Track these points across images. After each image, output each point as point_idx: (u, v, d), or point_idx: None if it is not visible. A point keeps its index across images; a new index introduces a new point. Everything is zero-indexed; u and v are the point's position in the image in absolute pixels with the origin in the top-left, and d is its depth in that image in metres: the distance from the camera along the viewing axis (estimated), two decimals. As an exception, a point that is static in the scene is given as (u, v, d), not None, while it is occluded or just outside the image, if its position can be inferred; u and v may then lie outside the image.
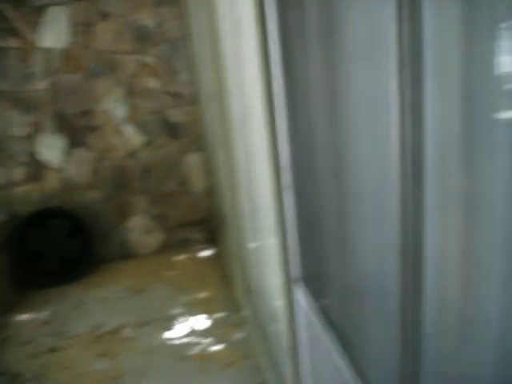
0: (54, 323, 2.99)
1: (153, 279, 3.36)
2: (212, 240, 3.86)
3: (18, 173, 3.47)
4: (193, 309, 2.96)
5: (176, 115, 3.62)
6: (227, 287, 3.16)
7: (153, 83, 3.55)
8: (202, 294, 3.12)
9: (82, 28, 3.37)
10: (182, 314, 2.90)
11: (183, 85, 3.58)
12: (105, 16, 3.39)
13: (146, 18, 3.45)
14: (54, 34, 3.34)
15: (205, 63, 3.44)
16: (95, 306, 3.14)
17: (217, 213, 3.79)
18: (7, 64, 3.33)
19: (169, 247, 3.79)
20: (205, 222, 3.84)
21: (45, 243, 3.43)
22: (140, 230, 3.73)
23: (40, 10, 3.30)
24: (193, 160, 3.73)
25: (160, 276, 3.41)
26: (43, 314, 3.09)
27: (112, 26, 3.41)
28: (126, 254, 3.72)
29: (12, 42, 3.31)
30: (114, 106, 3.50)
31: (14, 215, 3.45)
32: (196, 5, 3.37)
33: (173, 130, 3.65)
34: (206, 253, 3.69)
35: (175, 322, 2.83)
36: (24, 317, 3.09)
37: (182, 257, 3.66)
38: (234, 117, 2.51)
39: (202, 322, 2.81)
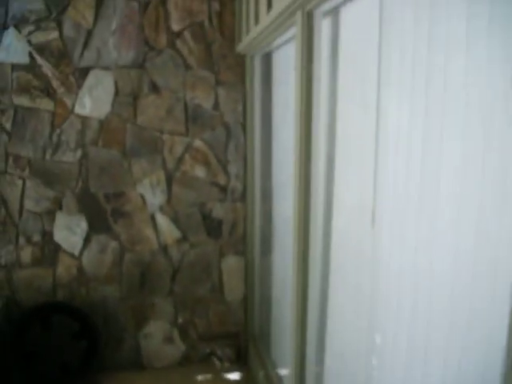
0: None
1: None
2: (242, 359, 3.52)
3: (27, 253, 3.22)
4: None
5: (219, 211, 3.34)
6: None
7: (199, 171, 3.32)
8: None
9: (128, 98, 3.18)
10: None
11: (232, 177, 3.34)
12: (155, 89, 3.18)
13: (202, 98, 3.20)
14: (94, 100, 3.14)
15: (266, 154, 3.24)
16: None
17: (249, 329, 3.53)
18: (35, 127, 3.13)
19: (190, 362, 3.43)
20: (236, 338, 3.50)
21: (45, 344, 3.11)
22: (159, 337, 3.37)
23: (83, 71, 3.10)
24: (231, 264, 3.43)
25: None
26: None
27: (162, 101, 3.19)
28: (138, 365, 3.37)
29: (45, 104, 3.13)
30: (150, 192, 3.28)
31: (13, 303, 3.19)
32: (263, 89, 3.18)
33: (213, 228, 3.35)
34: (234, 375, 3.31)
35: None
36: None
37: (205, 376, 3.28)
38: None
39: None
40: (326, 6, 1.95)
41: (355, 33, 1.84)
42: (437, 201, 1.30)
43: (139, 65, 3.13)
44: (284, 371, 2.95)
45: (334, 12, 1.98)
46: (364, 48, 1.75)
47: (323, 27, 2.03)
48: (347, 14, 1.90)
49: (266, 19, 2.45)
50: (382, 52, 1.59)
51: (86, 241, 3.23)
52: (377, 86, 1.62)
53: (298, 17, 2.06)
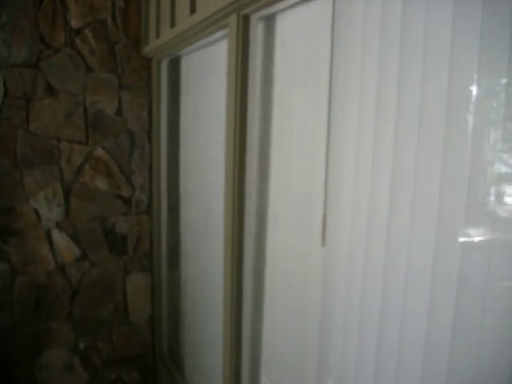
0: None
1: None
2: (152, 382, 3.56)
3: None
4: None
5: (123, 225, 3.33)
6: None
7: (100, 183, 3.29)
8: None
9: (19, 102, 3.07)
10: None
11: (137, 189, 3.36)
12: (52, 91, 3.08)
13: (104, 102, 3.17)
14: None
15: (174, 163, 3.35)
16: None
17: (157, 349, 3.62)
18: None
19: None
20: (143, 360, 3.52)
21: None
22: (58, 367, 3.26)
23: None
24: (137, 282, 3.44)
25: None
26: None
27: (59, 105, 3.12)
28: None
29: None
30: (45, 206, 3.19)
31: None
32: (170, 95, 3.30)
33: (116, 243, 3.33)
34: (142, 402, 3.43)
35: None
36: None
37: (111, 406, 3.36)
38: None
39: None
40: (264, 12, 2.10)
41: (295, 37, 1.99)
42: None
43: (33, 64, 3.04)
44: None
45: (271, 17, 2.14)
46: (307, 51, 1.92)
47: (259, 31, 2.17)
48: (285, 20, 2.05)
49: (186, 22, 2.56)
50: (333, 51, 1.66)
51: (-30, 264, 3.10)
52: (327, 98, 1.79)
53: (232, 21, 2.14)
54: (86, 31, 3.13)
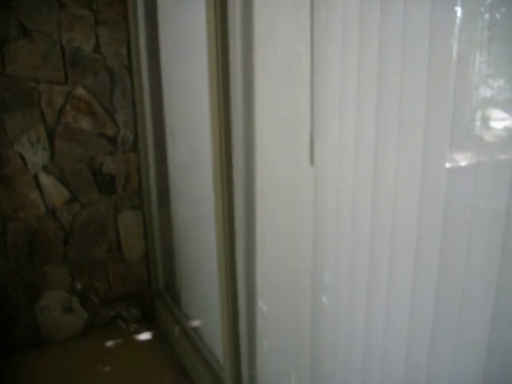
0: None
1: (82, 379, 3.06)
2: (149, 317, 3.70)
3: None
4: None
5: (110, 164, 3.35)
6: None
7: (84, 123, 3.29)
8: None
9: (-8, 45, 3.05)
10: None
11: (122, 127, 3.34)
12: (26, 32, 3.02)
13: (80, 40, 3.10)
14: None
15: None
16: None
17: (154, 285, 3.74)
18: None
19: (95, 329, 3.51)
20: (141, 296, 3.64)
21: None
22: (58, 308, 3.37)
23: None
24: (128, 220, 3.50)
25: (91, 373, 3.10)
26: None
27: (35, 45, 3.06)
28: (38, 342, 3.35)
29: None
30: (30, 150, 3.18)
31: None
32: (148, 29, 3.26)
33: (105, 183, 3.37)
34: (144, 335, 3.48)
35: None
36: None
37: (114, 341, 3.39)
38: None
39: None
40: None
41: None
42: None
43: (3, 4, 2.96)
44: (200, 324, 3.24)
45: None
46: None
47: None
48: None
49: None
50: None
51: (-40, 213, 3.14)
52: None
53: None
54: (56, -36, 3.05)
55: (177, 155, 3.22)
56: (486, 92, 1.16)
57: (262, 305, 2.38)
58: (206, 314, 3.03)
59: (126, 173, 3.45)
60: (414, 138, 1.33)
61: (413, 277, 1.42)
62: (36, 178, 3.23)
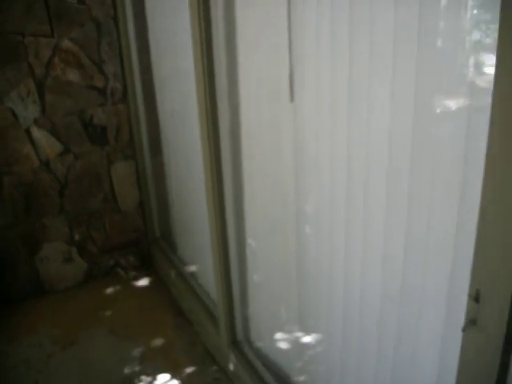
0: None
1: (85, 324, 3.20)
2: (147, 264, 3.82)
3: None
4: (151, 363, 2.88)
5: (101, 116, 3.39)
6: (186, 328, 3.15)
7: (72, 75, 3.32)
8: (157, 341, 3.05)
9: (-25, -1, 3.06)
10: (140, 374, 2.93)
11: (110, 78, 3.37)
12: None
13: None
14: None
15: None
16: (12, 373, 2.89)
17: (150, 233, 3.85)
18: None
19: (94, 277, 3.64)
20: (138, 244, 3.76)
21: None
22: (58, 259, 3.50)
23: None
24: (121, 170, 3.58)
25: (93, 319, 3.25)
26: None
27: None
28: (39, 291, 3.49)
29: None
30: (21, 105, 3.21)
31: None
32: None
33: (97, 135, 3.43)
34: (143, 281, 3.61)
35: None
36: None
37: (114, 289, 3.54)
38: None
39: (168, 382, 2.92)
40: None
41: None
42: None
43: (-18, -45, 3.00)
44: (195, 267, 3.36)
45: None
46: None
47: None
48: None
49: None
50: None
51: (-45, 169, 3.21)
52: None
53: None
54: None
55: (166, 104, 3.27)
56: (480, 37, 1.15)
57: (250, 242, 2.47)
58: (200, 258, 3.14)
59: (117, 124, 3.50)
60: (407, 84, 1.34)
61: (386, 207, 1.50)
62: (28, 131, 3.28)
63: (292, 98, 1.89)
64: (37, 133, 3.30)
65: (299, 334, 2.24)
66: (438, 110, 1.32)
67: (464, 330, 1.25)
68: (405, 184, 1.42)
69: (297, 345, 2.30)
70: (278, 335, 2.44)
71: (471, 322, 1.23)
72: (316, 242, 1.96)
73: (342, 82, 1.56)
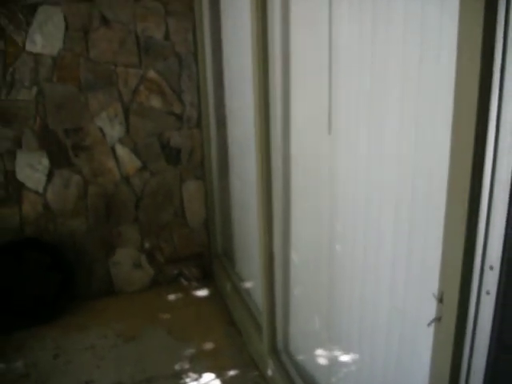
0: (31, 378, 3.13)
1: (146, 323, 3.57)
2: (208, 277, 4.17)
3: (-9, 194, 3.66)
4: (199, 363, 3.19)
5: (177, 139, 3.84)
6: (235, 337, 3.45)
7: (154, 101, 3.77)
8: (208, 345, 3.37)
9: (79, 33, 3.55)
10: (188, 371, 3.21)
11: (187, 106, 3.84)
12: (106, 22, 3.53)
13: (153, 29, 3.63)
14: (45, 37, 3.44)
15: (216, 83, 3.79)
16: (80, 356, 3.30)
17: (213, 249, 4.22)
18: (-13, 68, 3.47)
19: (159, 284, 4.03)
20: (201, 258, 4.12)
21: (19, 278, 3.57)
22: (128, 264, 3.92)
23: (32, 8, 3.36)
24: (191, 189, 3.99)
25: (154, 319, 3.62)
26: (17, 365, 3.23)
27: (113, 33, 3.57)
28: (111, 291, 3.91)
29: None
30: (108, 125, 3.72)
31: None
32: (211, 18, 3.69)
33: (172, 155, 3.87)
34: (202, 292, 3.96)
35: (181, 381, 3.07)
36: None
37: (176, 296, 3.90)
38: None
39: (212, 381, 3.23)
40: None
41: None
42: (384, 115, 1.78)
43: (88, -2, 3.54)
44: (249, 283, 3.66)
45: None
46: None
47: None
48: None
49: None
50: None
51: (49, 177, 3.68)
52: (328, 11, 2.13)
53: None
54: (133, -37, 3.55)
55: (234, 133, 3.64)
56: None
57: (294, 259, 2.76)
58: (253, 273, 3.44)
59: (190, 147, 3.92)
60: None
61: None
62: (113, 148, 3.76)
63: (330, 131, 2.19)
64: (120, 150, 3.77)
65: (334, 349, 2.46)
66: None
67: (429, 325, 1.49)
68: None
69: (331, 360, 2.52)
70: (314, 349, 2.68)
71: (437, 319, 1.47)
72: (350, 261, 2.19)
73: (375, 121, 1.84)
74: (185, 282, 4.10)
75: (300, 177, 2.57)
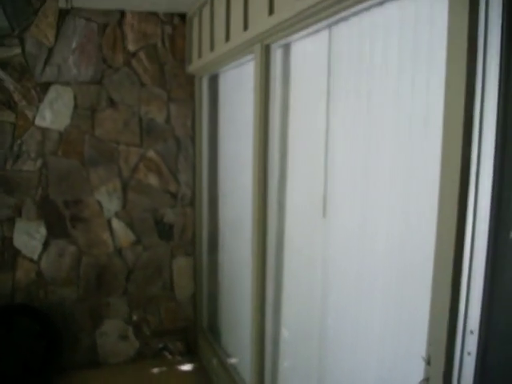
0: None
1: None
2: (192, 352, 4.24)
3: (-14, 259, 3.80)
4: None
5: (170, 215, 4.04)
6: None
7: (152, 179, 4.01)
8: None
9: (86, 112, 3.82)
10: None
11: (182, 185, 4.07)
12: (113, 103, 3.82)
13: (155, 112, 3.90)
14: (54, 113, 3.70)
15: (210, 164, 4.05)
16: None
17: (198, 323, 4.33)
18: (-3, 138, 3.70)
19: (143, 357, 4.09)
20: (186, 332, 4.21)
21: (7, 344, 3.62)
22: (115, 335, 3.99)
23: (44, 86, 3.65)
24: (181, 264, 4.14)
25: None
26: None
27: (118, 114, 3.84)
28: (95, 362, 3.96)
29: (7, 116, 3.62)
30: (107, 199, 3.92)
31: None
32: (210, 106, 4.00)
33: (165, 231, 4.06)
34: (187, 367, 4.02)
35: None
36: None
37: (160, 369, 3.95)
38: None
39: None
40: (281, 42, 2.78)
41: (305, 60, 2.60)
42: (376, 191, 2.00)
43: (97, 81, 3.79)
44: (235, 359, 3.76)
45: (287, 46, 2.80)
46: (313, 71, 2.47)
47: (277, 57, 2.84)
48: (297, 47, 2.63)
49: (222, 48, 3.25)
50: (330, 70, 2.28)
51: (45, 245, 3.81)
52: (326, 101, 2.38)
53: (257, 49, 2.75)
54: (141, 53, 3.88)
55: (226, 213, 3.86)
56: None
57: (285, 336, 2.91)
58: (240, 350, 3.56)
59: (183, 224, 4.12)
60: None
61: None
62: (109, 221, 3.94)
63: (324, 214, 2.41)
64: (116, 224, 3.95)
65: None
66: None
67: (418, 385, 1.66)
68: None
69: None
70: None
71: (425, 380, 1.65)
72: (341, 335, 2.36)
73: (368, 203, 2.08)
74: (169, 356, 4.17)
75: (293, 256, 2.76)
